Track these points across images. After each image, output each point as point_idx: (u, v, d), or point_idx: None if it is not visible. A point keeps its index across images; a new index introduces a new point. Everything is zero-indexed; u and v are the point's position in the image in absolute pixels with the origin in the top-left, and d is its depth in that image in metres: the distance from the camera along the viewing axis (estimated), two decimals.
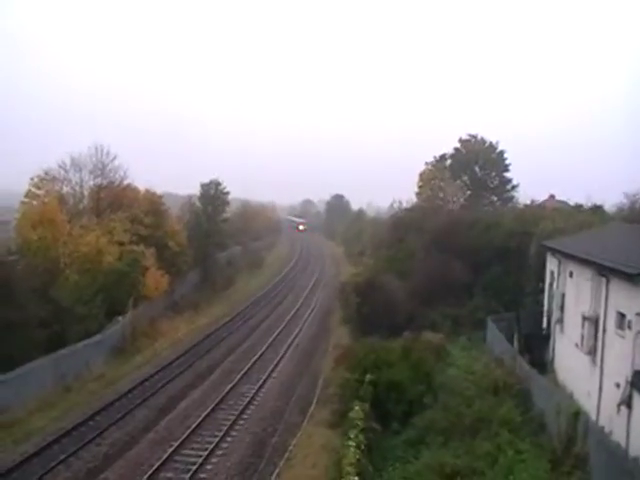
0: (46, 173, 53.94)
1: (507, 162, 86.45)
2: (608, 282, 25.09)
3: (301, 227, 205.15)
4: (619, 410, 22.30)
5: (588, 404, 25.84)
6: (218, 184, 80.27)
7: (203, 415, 31.08)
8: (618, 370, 22.99)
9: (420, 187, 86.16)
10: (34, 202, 51.41)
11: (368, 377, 29.10)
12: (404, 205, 78.40)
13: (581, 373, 28.27)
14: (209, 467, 25.39)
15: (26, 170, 54.24)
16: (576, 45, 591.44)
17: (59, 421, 30.47)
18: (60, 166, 55.77)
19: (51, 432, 28.70)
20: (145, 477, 23.80)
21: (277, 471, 24.74)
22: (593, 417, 24.62)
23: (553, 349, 35.42)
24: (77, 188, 57.80)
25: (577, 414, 22.53)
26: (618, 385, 22.67)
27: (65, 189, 56.58)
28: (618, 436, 21.75)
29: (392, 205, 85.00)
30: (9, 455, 26.16)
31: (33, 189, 52.36)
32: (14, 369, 32.46)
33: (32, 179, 52.59)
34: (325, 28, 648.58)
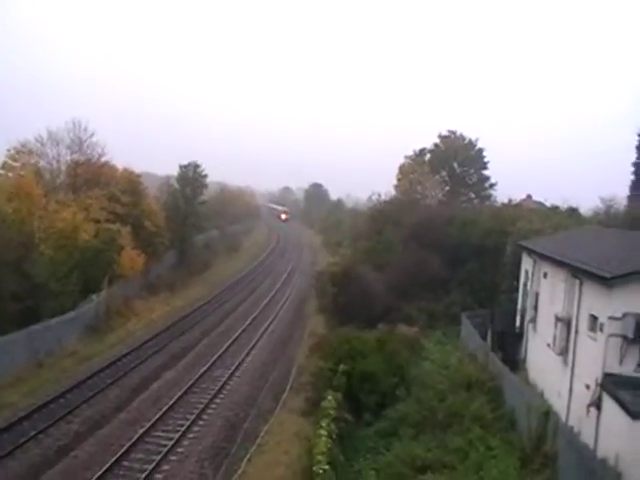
0: (23, 145, 53.36)
1: (486, 160, 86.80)
2: (582, 284, 25.41)
3: (283, 216, 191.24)
4: (589, 411, 22.61)
5: (558, 404, 26.19)
6: (197, 166, 79.78)
7: (175, 397, 31.12)
8: (589, 372, 23.31)
9: (399, 180, 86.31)
10: (9, 174, 50.78)
11: (342, 367, 29.25)
12: (383, 197, 78.30)
13: (552, 373, 28.63)
14: (180, 450, 25.42)
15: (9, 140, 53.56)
16: (560, 49, 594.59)
17: (30, 397, 30.37)
18: (37, 139, 55.20)
19: (22, 407, 28.66)
20: (115, 457, 23.77)
21: (248, 456, 24.84)
22: (563, 417, 24.96)
23: (526, 348, 35.82)
24: (54, 163, 57.30)
25: (547, 413, 22.86)
26: (588, 387, 23.00)
27: (42, 163, 56.07)
28: (587, 436, 22.06)
29: (371, 197, 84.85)
30: None
31: (9, 161, 51.74)
32: None
33: (8, 150, 51.99)
34: (307, 20, 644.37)
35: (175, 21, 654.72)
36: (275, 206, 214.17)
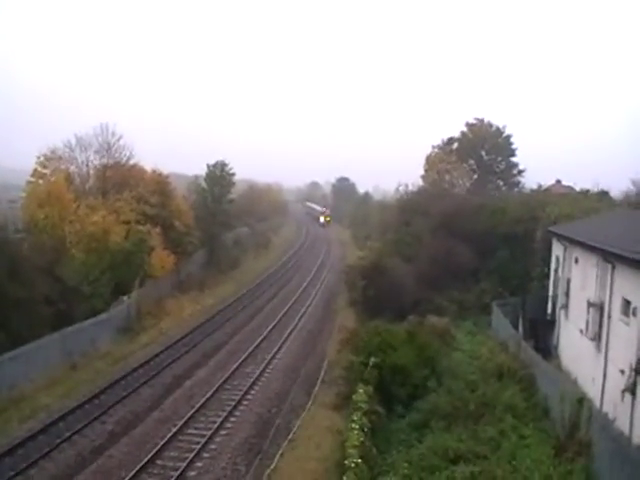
0: (52, 152, 54.00)
1: (513, 147, 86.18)
2: (614, 268, 25.04)
3: (322, 219, 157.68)
4: (623, 397, 22.35)
5: (592, 390, 25.89)
6: (224, 165, 79.97)
7: (208, 394, 31.27)
8: (623, 357, 23.02)
9: (426, 170, 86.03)
10: (40, 181, 51.43)
11: (373, 360, 29.14)
12: (410, 188, 77.92)
13: (585, 359, 28.30)
14: (213, 446, 25.55)
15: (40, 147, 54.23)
16: (584, 36, 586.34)
17: (65, 398, 30.74)
18: (66, 145, 55.91)
19: (57, 409, 28.99)
20: (149, 455, 23.99)
21: (281, 452, 24.86)
22: (597, 403, 24.68)
23: (558, 335, 35.45)
24: (83, 167, 57.97)
25: (581, 400, 22.56)
26: (622, 372, 22.70)
27: (71, 168, 56.70)
28: (622, 423, 21.80)
29: (398, 189, 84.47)
30: (16, 431, 26.46)
31: (39, 168, 52.38)
32: (22, 346, 32.72)
33: (38, 158, 52.65)
34: (332, 10, 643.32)
35: (191, 25, 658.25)
36: (313, 205, 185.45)
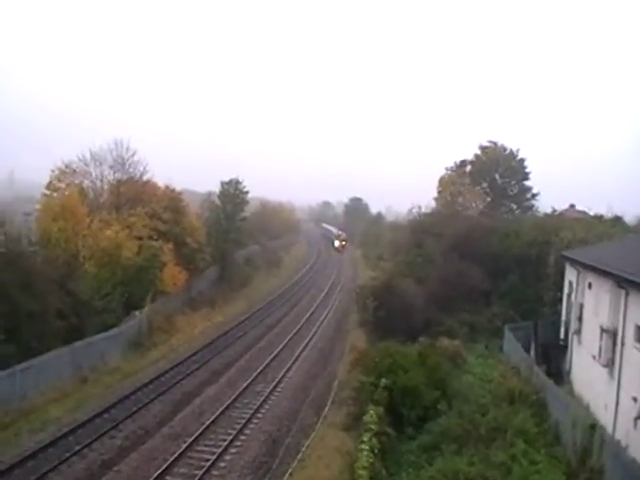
0: (67, 166, 54.52)
1: (527, 170, 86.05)
2: (627, 295, 24.88)
3: (337, 243, 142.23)
4: (636, 424, 22.15)
5: (604, 417, 25.67)
6: (238, 182, 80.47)
7: (218, 412, 31.23)
8: (636, 384, 22.84)
9: (439, 192, 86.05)
10: (55, 194, 51.83)
11: (383, 381, 29.08)
12: (423, 210, 78.00)
13: (598, 385, 28.08)
14: (222, 464, 25.48)
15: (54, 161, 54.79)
16: (597, 55, 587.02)
17: (75, 412, 30.78)
18: (80, 159, 56.39)
19: (67, 422, 29.01)
20: (159, 471, 23.95)
21: (290, 471, 24.77)
22: (609, 430, 24.44)
23: (570, 360, 35.23)
24: (97, 182, 58.38)
25: (593, 427, 22.42)
26: (635, 399, 22.51)
27: (85, 182, 57.13)
28: (634, 451, 21.56)
29: (411, 210, 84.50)
30: (26, 443, 26.50)
31: (54, 181, 52.84)
32: (33, 358, 32.84)
33: (53, 171, 53.15)
34: (343, 28, 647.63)
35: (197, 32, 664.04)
36: (330, 228, 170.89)
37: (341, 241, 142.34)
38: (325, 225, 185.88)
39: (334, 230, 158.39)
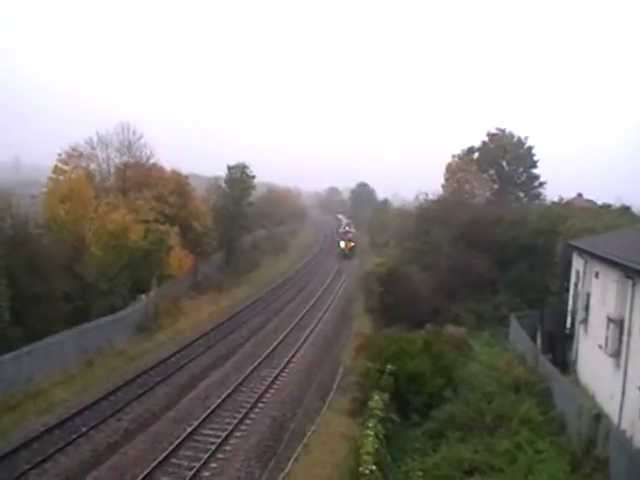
0: (73, 149, 54.42)
1: (535, 158, 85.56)
2: (635, 285, 24.71)
3: (342, 243, 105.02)
4: None
5: (610, 407, 25.56)
6: (245, 167, 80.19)
7: (223, 396, 31.35)
8: None
9: (446, 179, 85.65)
10: (61, 177, 51.79)
11: (389, 368, 29.03)
12: (430, 197, 77.55)
13: (604, 375, 27.96)
14: (227, 448, 25.60)
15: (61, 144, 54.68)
16: (608, 46, 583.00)
17: (81, 394, 30.98)
18: (87, 142, 56.35)
19: (73, 405, 29.22)
20: (164, 454, 24.07)
21: (295, 456, 24.86)
22: (615, 420, 24.34)
23: (576, 349, 35.08)
24: (104, 165, 58.38)
25: (598, 417, 22.36)
26: None
27: (92, 166, 57.11)
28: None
29: (417, 197, 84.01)
30: (32, 425, 26.71)
31: (60, 165, 52.74)
32: (39, 340, 32.96)
33: (59, 155, 53.05)
34: (354, 14, 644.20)
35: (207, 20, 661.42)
36: (342, 218, 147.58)
37: (347, 243, 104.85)
38: (340, 216, 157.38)
39: (343, 220, 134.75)
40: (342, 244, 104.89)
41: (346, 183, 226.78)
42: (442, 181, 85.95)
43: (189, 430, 26.73)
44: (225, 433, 26.65)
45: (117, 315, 41.51)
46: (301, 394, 33.31)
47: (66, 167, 52.68)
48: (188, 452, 24.93)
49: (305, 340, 44.60)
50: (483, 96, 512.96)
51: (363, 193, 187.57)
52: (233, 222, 76.09)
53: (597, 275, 31.75)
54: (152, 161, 61.06)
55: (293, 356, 40.16)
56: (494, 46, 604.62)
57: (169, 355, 38.71)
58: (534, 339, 36.91)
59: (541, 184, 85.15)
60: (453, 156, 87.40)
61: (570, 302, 38.13)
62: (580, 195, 71.72)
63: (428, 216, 64.69)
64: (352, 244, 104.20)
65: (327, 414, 29.81)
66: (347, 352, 40.44)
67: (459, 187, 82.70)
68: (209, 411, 29.14)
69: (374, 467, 20.02)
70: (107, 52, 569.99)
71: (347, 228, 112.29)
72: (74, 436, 25.69)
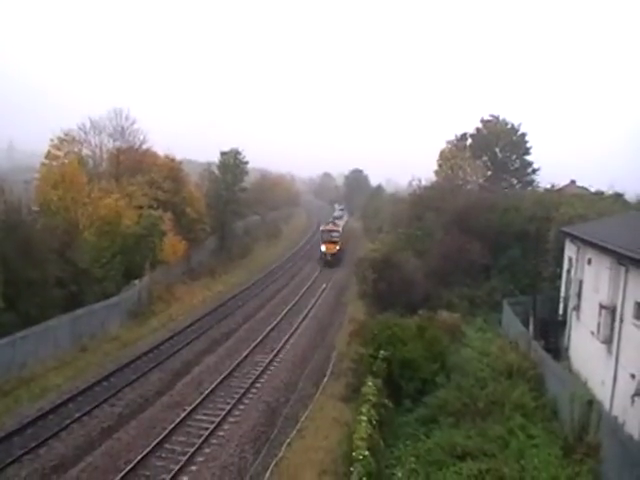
0: (66, 134, 54.17)
1: (528, 145, 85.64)
2: (627, 272, 24.84)
3: (323, 247, 76.95)
4: (633, 401, 22.25)
5: (602, 393, 25.78)
6: (238, 153, 79.80)
7: (217, 381, 31.44)
8: (634, 361, 22.90)
9: (440, 165, 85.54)
10: (54, 163, 51.54)
11: (382, 353, 29.08)
12: (423, 183, 77.33)
13: (596, 362, 28.15)
14: (221, 433, 25.71)
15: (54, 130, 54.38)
16: (603, 34, 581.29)
17: (75, 379, 31.06)
18: (80, 128, 56.10)
19: (67, 390, 29.30)
20: (158, 439, 24.17)
21: (288, 441, 25.00)
22: (607, 407, 24.57)
23: (569, 336, 35.26)
24: (96, 151, 58.15)
25: (591, 403, 22.51)
26: (633, 376, 22.60)
27: (85, 151, 56.91)
28: (631, 427, 21.72)
29: (411, 183, 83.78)
30: (26, 410, 26.78)
31: (53, 150, 52.47)
32: (32, 326, 32.92)
33: (52, 140, 52.77)
34: (351, 7, 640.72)
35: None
36: (337, 207, 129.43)
37: (330, 243, 77.21)
38: (336, 205, 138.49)
39: (336, 210, 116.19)
40: (323, 247, 77.50)
41: (340, 169, 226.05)
42: (435, 167, 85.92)
43: (183, 415, 26.82)
44: (219, 418, 26.77)
45: (110, 301, 41.47)
46: (295, 379, 33.43)
47: (59, 152, 52.42)
48: (181, 437, 25.04)
49: (299, 326, 44.66)
50: (478, 83, 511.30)
51: (357, 179, 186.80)
52: (226, 207, 75.96)
53: (590, 262, 31.86)
54: (145, 146, 61.10)
55: (287, 342, 40.24)
56: (489, 33, 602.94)
57: (162, 340, 38.74)
58: (527, 325, 37.05)
59: (534, 171, 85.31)
60: (447, 142, 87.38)
61: (563, 289, 38.29)
62: (573, 182, 71.69)
63: (421, 202, 64.52)
64: (337, 248, 76.93)
65: (320, 399, 29.95)
66: (341, 338, 40.50)
67: (452, 173, 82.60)
68: (203, 396, 29.25)
69: (367, 452, 20.10)
70: (102, 39, 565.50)
71: (336, 222, 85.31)
72: (68, 421, 25.77)
